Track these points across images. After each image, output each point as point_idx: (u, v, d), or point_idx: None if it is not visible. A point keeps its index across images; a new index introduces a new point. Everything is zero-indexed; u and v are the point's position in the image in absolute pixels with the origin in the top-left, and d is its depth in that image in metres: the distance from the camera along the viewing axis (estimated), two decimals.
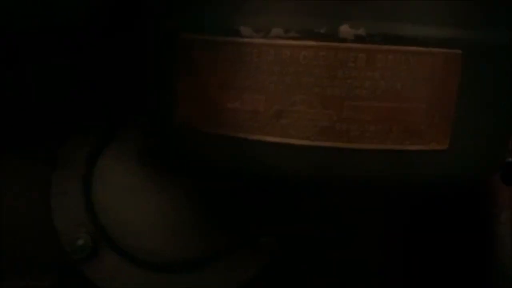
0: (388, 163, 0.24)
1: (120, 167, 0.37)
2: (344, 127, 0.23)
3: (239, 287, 0.37)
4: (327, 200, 0.39)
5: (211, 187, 0.37)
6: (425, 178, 0.25)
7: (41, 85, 0.37)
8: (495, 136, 0.27)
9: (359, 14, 0.22)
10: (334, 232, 0.40)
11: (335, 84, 0.23)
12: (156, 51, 0.28)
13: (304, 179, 0.24)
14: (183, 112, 0.26)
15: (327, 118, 0.23)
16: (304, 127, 0.24)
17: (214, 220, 0.37)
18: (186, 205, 0.37)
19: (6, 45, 0.32)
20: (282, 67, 0.23)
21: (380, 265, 0.41)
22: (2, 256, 0.37)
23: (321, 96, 0.23)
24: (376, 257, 0.41)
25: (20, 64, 0.35)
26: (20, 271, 0.38)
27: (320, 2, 0.23)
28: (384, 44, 0.23)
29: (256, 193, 0.38)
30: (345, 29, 0.23)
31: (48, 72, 0.37)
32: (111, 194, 0.37)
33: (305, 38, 0.23)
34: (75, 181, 0.37)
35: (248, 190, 0.37)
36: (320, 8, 0.23)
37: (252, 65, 0.24)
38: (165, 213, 0.37)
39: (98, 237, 0.36)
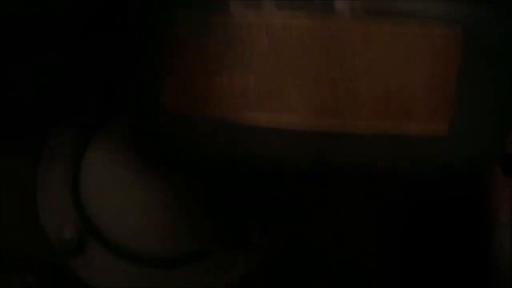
0: (384, 147, 0.22)
1: (108, 159, 0.36)
2: (339, 108, 0.22)
3: (229, 284, 0.36)
4: (325, 196, 0.38)
5: (204, 179, 0.36)
6: (423, 165, 0.24)
7: (27, 76, 0.36)
8: (497, 122, 0.25)
9: None
10: (334, 231, 0.39)
11: (329, 62, 0.22)
12: (139, 34, 0.26)
13: (297, 164, 0.23)
14: (169, 97, 0.25)
15: (321, 99, 0.22)
16: (297, 109, 0.22)
17: (205, 216, 0.36)
18: (177, 199, 0.36)
19: None
20: (274, 44, 0.22)
21: (379, 265, 0.40)
22: None
23: (314, 75, 0.22)
24: (375, 257, 0.40)
25: (4, 56, 0.34)
26: (6, 266, 0.36)
27: None
28: (380, 19, 0.21)
29: (250, 189, 0.36)
30: (340, 3, 0.21)
31: (33, 63, 0.36)
32: (99, 186, 0.36)
33: (299, 13, 0.21)
34: (62, 173, 0.36)
35: (242, 186, 0.36)
36: None
37: (242, 43, 0.22)
38: (155, 206, 0.36)
39: (85, 230, 0.35)
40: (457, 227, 0.39)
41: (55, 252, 0.35)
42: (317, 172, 0.24)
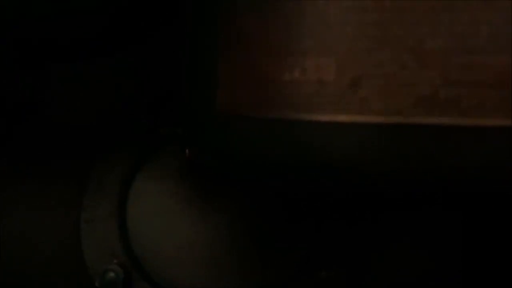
0: (495, 142, 0.15)
1: (157, 189, 0.30)
2: (453, 95, 0.15)
3: None
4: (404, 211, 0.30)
5: (259, 212, 0.30)
6: None
7: (72, 101, 0.31)
8: None
9: None
10: (406, 267, 0.31)
11: (438, 33, 0.15)
12: (193, 31, 0.21)
13: (394, 173, 0.16)
14: (227, 96, 0.19)
15: (427, 83, 0.15)
16: (394, 97, 0.15)
17: (261, 251, 0.29)
18: (230, 234, 0.29)
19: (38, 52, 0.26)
20: (361, 16, 0.16)
21: None
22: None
23: (417, 50, 0.15)
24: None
25: (49, 75, 0.30)
26: None
27: None
28: None
29: (312, 218, 0.30)
30: None
31: (80, 88, 0.31)
32: (147, 220, 0.30)
33: None
34: (108, 205, 0.30)
35: (303, 212, 0.29)
36: None
37: (318, 18, 0.16)
38: (206, 242, 0.30)
39: (131, 269, 0.29)
40: None
41: None
42: (417, 180, 0.17)
